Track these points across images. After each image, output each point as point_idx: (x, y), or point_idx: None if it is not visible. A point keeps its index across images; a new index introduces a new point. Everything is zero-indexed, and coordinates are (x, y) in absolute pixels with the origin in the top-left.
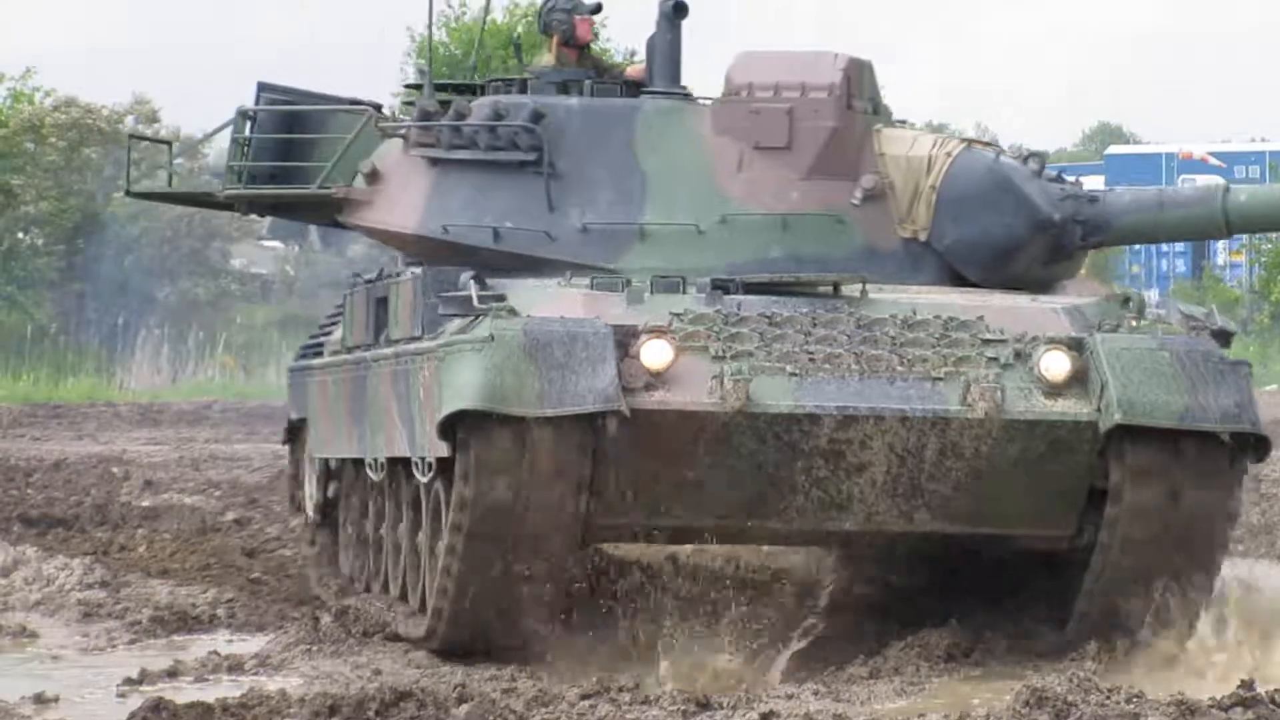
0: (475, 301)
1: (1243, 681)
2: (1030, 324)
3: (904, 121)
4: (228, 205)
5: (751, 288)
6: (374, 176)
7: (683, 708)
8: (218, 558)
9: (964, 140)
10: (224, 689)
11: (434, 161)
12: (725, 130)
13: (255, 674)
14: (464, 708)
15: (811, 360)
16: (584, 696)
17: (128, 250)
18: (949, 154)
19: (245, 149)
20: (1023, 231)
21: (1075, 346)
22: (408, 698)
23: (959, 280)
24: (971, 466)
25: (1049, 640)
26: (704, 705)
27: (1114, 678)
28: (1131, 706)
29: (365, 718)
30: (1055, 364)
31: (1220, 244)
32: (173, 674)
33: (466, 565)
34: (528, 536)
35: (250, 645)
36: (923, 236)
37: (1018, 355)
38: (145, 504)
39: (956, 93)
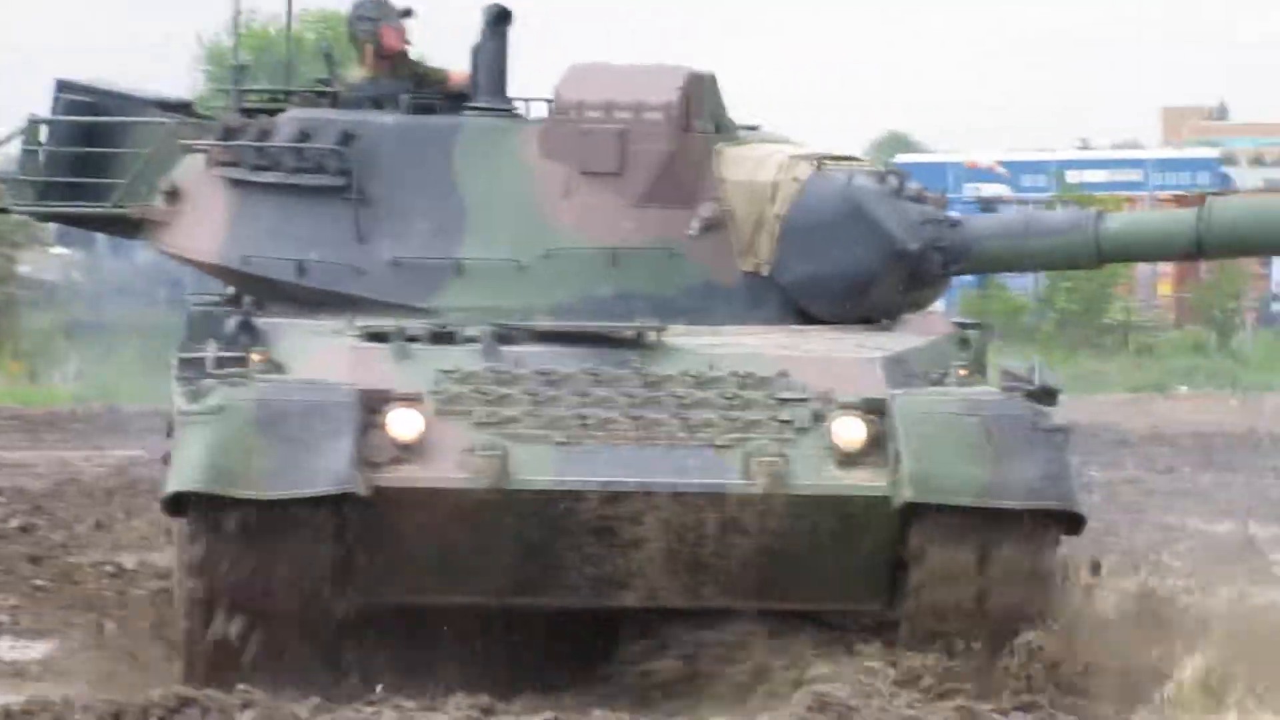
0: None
1: None
2: (839, 379)
3: (754, 128)
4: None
5: (542, 337)
6: (174, 195)
7: (468, 713)
8: (2, 564)
9: (816, 159)
10: (7, 695)
11: (236, 183)
12: (552, 153)
13: (39, 680)
14: (248, 713)
15: (583, 426)
16: (370, 703)
17: None
18: (795, 179)
19: (37, 159)
20: (875, 264)
21: (874, 409)
22: (191, 704)
23: (804, 317)
24: (758, 543)
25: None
26: (489, 711)
27: None
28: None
29: None
30: (848, 432)
31: None
32: None
33: (205, 633)
34: (268, 615)
35: (33, 651)
36: (765, 271)
37: (815, 418)
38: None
39: (764, 100)
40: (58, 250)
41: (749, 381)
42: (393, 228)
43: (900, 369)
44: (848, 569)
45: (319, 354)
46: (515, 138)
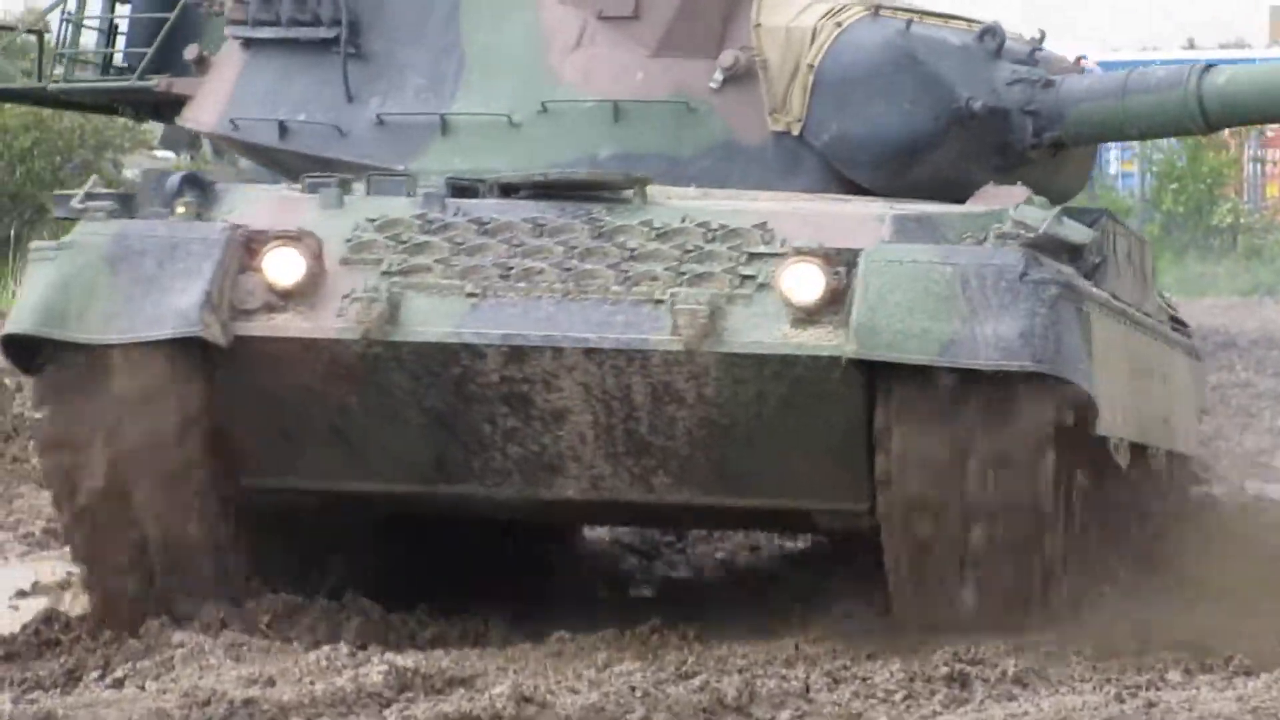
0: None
1: None
2: (834, 234)
3: None
4: (64, 104)
5: (504, 190)
6: (202, 64)
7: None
8: None
9: (875, 6)
10: None
11: (247, 43)
12: None
13: None
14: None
15: (504, 278)
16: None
17: (20, 161)
18: (839, 24)
19: (71, 31)
20: (927, 124)
21: (840, 260)
22: None
23: (851, 187)
24: (699, 415)
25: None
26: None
27: None
28: None
29: None
30: (801, 282)
31: (1112, 153)
32: (65, 585)
33: (83, 539)
34: (129, 494)
35: None
36: (796, 130)
37: None
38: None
39: None
40: (162, 154)
41: (717, 234)
42: (385, 85)
43: (923, 230)
44: (816, 455)
45: (246, 206)
46: None
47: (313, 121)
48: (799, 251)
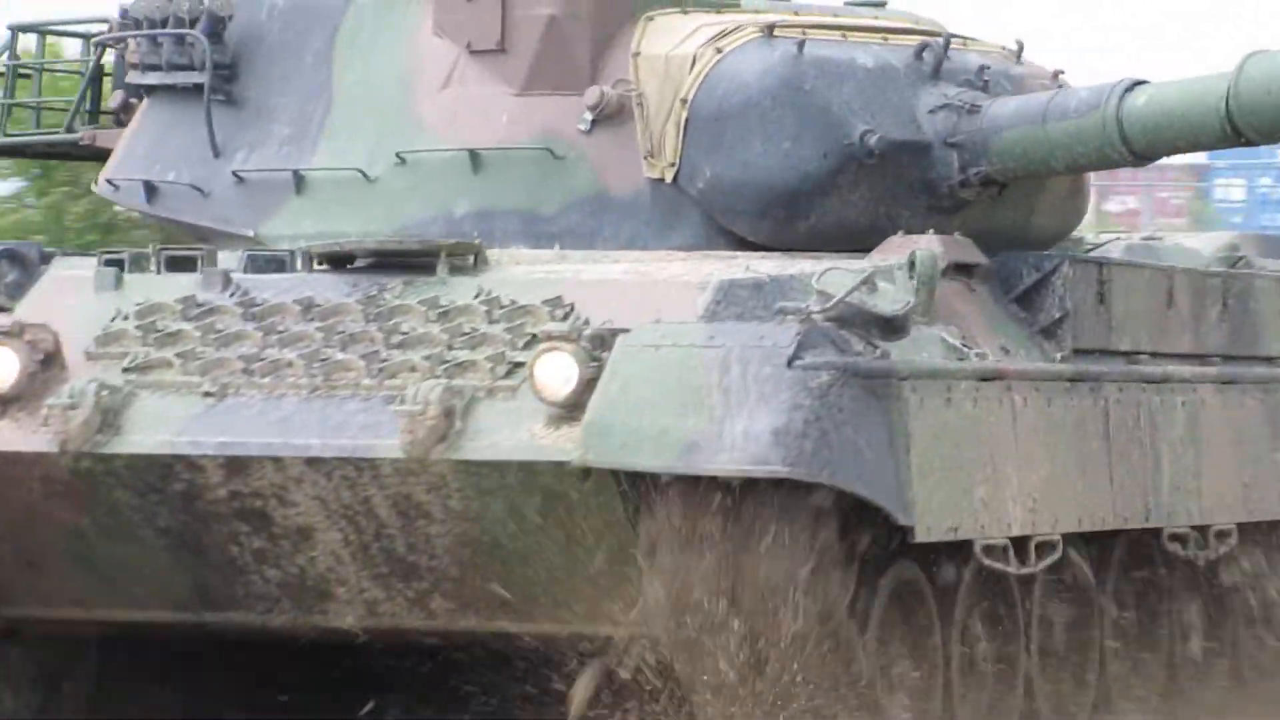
0: None
1: None
2: (643, 307)
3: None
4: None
5: (331, 260)
6: (128, 113)
7: None
8: None
9: (772, 26)
10: None
11: (149, 89)
12: (443, 27)
13: None
14: None
15: (247, 373)
16: None
17: None
18: (719, 50)
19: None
20: (813, 164)
21: (603, 345)
22: None
23: (736, 240)
24: (455, 531)
25: None
26: None
27: None
28: None
29: None
30: (551, 373)
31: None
32: None
33: None
34: None
35: None
36: (670, 176)
37: None
38: None
39: None
40: None
41: (503, 313)
42: (253, 136)
43: (756, 299)
44: (594, 574)
45: (47, 286)
46: (413, 11)
47: (178, 182)
48: (551, 337)
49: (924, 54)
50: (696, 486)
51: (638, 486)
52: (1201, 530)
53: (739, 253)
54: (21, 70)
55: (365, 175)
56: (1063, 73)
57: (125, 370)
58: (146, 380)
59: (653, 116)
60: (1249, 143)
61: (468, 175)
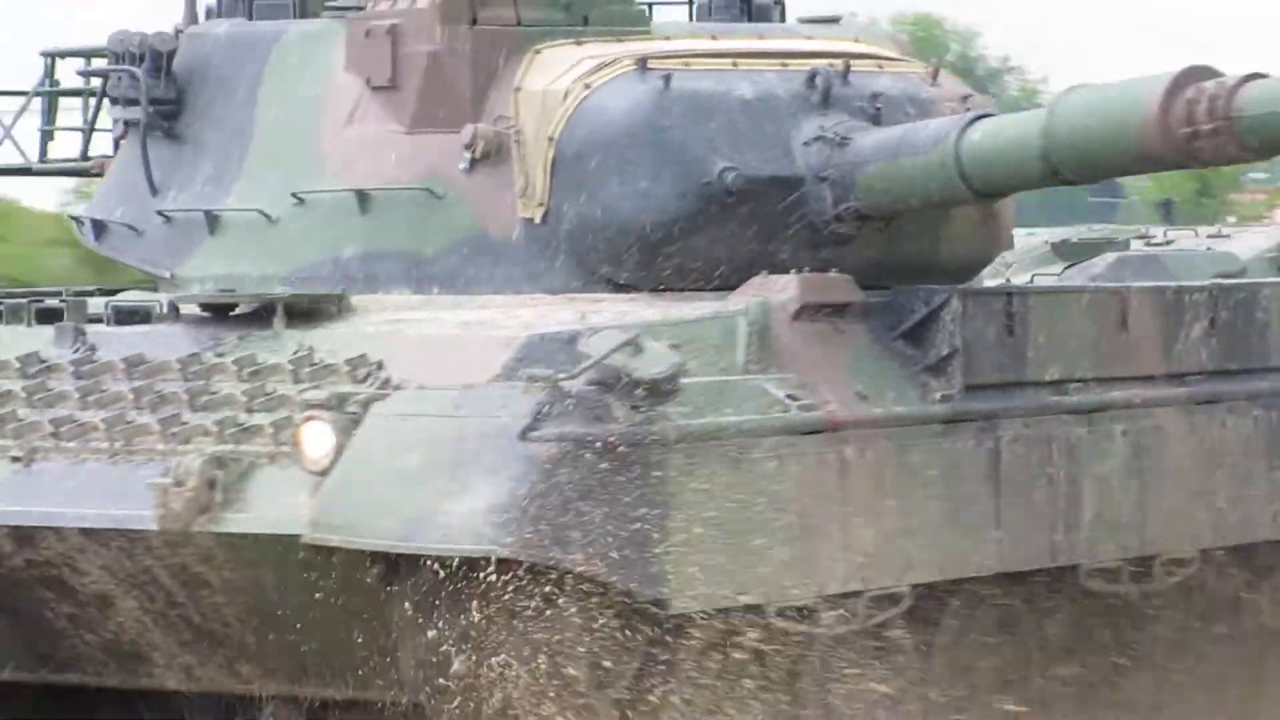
0: None
1: None
2: (451, 364)
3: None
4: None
5: (209, 309)
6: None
7: None
8: None
9: (645, 57)
10: None
11: (127, 124)
12: (352, 62)
13: None
14: None
15: (55, 436)
16: None
17: None
18: (589, 85)
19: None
20: (670, 204)
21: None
22: None
23: (608, 284)
24: (237, 600)
25: None
26: None
27: None
28: None
29: None
30: (310, 442)
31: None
32: None
33: None
34: None
35: None
36: (539, 217)
37: None
38: None
39: None
40: None
41: (305, 373)
42: (184, 173)
43: (564, 354)
44: (366, 642)
45: None
46: (329, 46)
47: (120, 221)
48: (310, 405)
49: (815, 81)
50: (432, 563)
51: (386, 561)
52: (1146, 561)
53: (606, 295)
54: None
55: (267, 216)
56: (970, 95)
57: None
58: None
59: (528, 155)
60: (1070, 183)
61: (356, 216)
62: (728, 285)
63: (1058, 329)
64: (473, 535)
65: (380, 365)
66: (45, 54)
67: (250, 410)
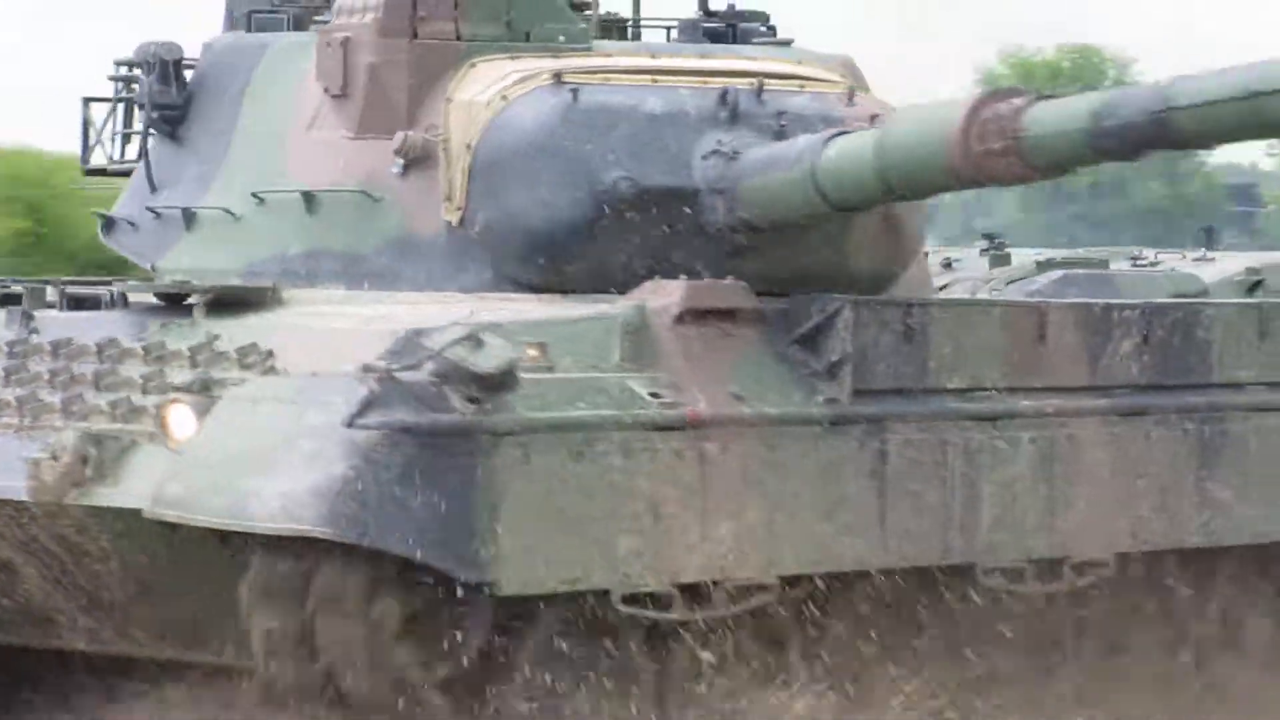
0: None
1: None
2: (334, 354)
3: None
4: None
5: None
6: None
7: None
8: None
9: (559, 72)
10: None
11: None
12: (318, 72)
13: None
14: None
15: None
16: None
17: None
18: (505, 98)
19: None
20: (567, 212)
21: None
22: None
23: (517, 284)
24: (114, 569)
25: None
26: None
27: None
28: None
29: None
30: (174, 424)
31: None
32: None
33: None
34: None
35: None
36: (457, 221)
37: None
38: None
39: None
40: None
41: (200, 359)
42: (177, 174)
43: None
44: (231, 614)
45: None
46: (308, 56)
47: (122, 216)
48: (175, 388)
49: (725, 98)
50: (271, 542)
51: (221, 538)
52: (1056, 563)
53: (515, 296)
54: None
55: (232, 214)
56: (878, 115)
57: None
58: None
59: (452, 161)
60: (903, 198)
61: (304, 215)
62: (624, 289)
63: (965, 340)
64: (290, 515)
65: (270, 354)
66: (119, 64)
67: (145, 392)
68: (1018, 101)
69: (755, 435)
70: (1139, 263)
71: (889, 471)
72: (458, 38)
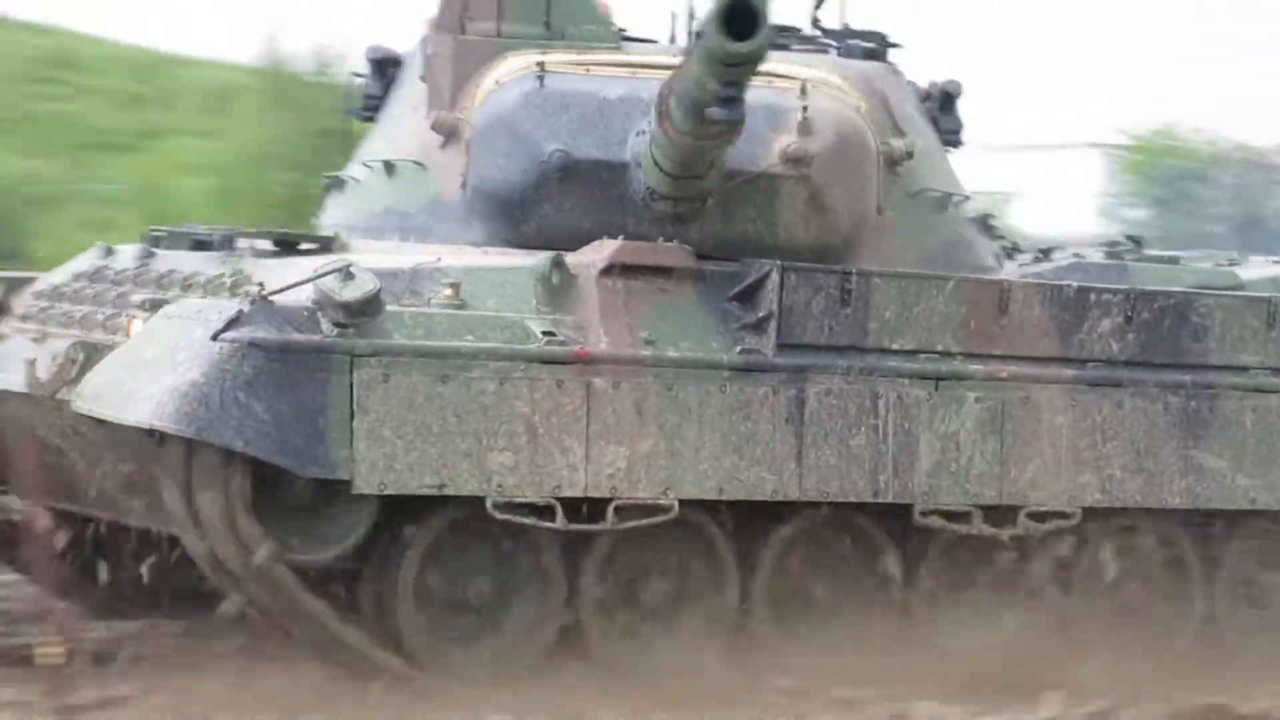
0: None
1: None
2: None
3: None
4: None
5: (198, 243)
6: None
7: None
8: None
9: (541, 63)
10: None
11: None
12: (417, 63)
13: None
14: None
15: (62, 325)
16: None
17: None
18: (499, 83)
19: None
20: (516, 178)
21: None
22: None
23: (501, 240)
24: (90, 449)
25: None
26: None
27: None
28: None
29: None
30: (133, 334)
31: None
32: None
33: None
34: None
35: None
36: (460, 186)
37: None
38: None
39: None
40: None
41: (203, 286)
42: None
43: (389, 283)
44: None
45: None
46: None
47: (323, 184)
48: (139, 306)
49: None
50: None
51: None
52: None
53: (495, 248)
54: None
55: (356, 179)
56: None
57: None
58: (21, 327)
59: (465, 137)
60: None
61: (385, 180)
62: (577, 246)
63: (914, 307)
64: (151, 413)
65: (262, 286)
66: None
67: (145, 311)
68: None
69: (652, 374)
70: (1220, 264)
71: (807, 415)
72: (499, 34)
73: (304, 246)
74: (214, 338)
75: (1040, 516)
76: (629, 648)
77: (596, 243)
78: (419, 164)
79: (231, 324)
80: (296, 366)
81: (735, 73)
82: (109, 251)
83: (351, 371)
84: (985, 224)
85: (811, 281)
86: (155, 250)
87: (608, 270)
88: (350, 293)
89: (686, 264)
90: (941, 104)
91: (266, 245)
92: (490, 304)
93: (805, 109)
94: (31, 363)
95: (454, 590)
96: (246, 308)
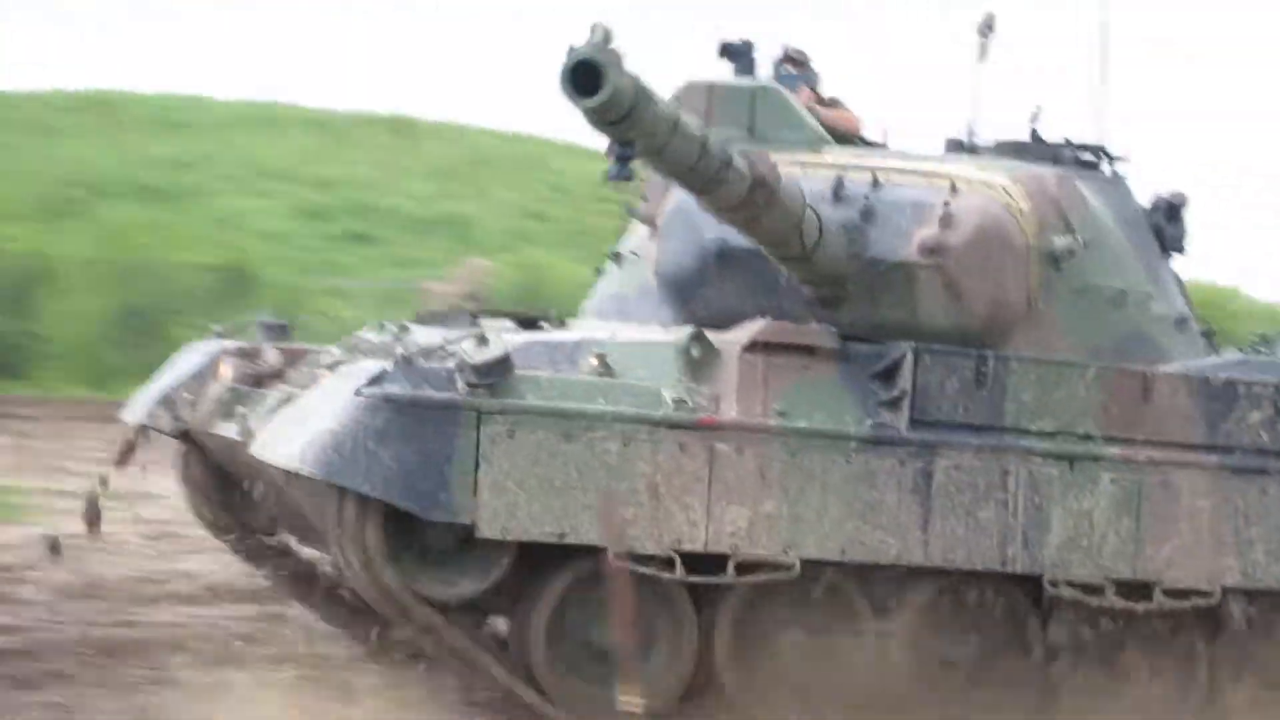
0: None
1: None
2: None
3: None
4: None
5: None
6: None
7: None
8: None
9: None
10: None
11: None
12: None
13: None
14: None
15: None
16: None
17: None
18: None
19: None
20: (687, 261)
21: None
22: None
23: (686, 320)
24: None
25: None
26: None
27: None
28: None
29: None
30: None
31: None
32: None
33: None
34: None
35: None
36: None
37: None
38: None
39: None
40: None
41: (378, 349)
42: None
43: (544, 354)
44: None
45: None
46: None
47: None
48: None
49: (840, 183)
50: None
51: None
52: (1139, 586)
53: (665, 325)
54: None
55: (602, 269)
56: (949, 203)
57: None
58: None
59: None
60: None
61: (616, 268)
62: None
63: (1052, 391)
64: (293, 456)
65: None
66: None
67: (329, 370)
68: None
69: (777, 441)
70: None
71: (934, 489)
72: None
73: (540, 323)
74: (356, 393)
75: (1175, 594)
76: (758, 698)
77: (748, 322)
78: (634, 254)
79: (374, 380)
80: (426, 420)
81: (614, 130)
82: (402, 326)
83: (479, 427)
84: (1182, 321)
85: (946, 363)
86: (406, 326)
87: (751, 347)
88: (481, 356)
89: (829, 344)
90: (1167, 213)
91: (508, 323)
92: (636, 374)
93: (947, 204)
94: (244, 415)
95: (586, 634)
96: (390, 367)
